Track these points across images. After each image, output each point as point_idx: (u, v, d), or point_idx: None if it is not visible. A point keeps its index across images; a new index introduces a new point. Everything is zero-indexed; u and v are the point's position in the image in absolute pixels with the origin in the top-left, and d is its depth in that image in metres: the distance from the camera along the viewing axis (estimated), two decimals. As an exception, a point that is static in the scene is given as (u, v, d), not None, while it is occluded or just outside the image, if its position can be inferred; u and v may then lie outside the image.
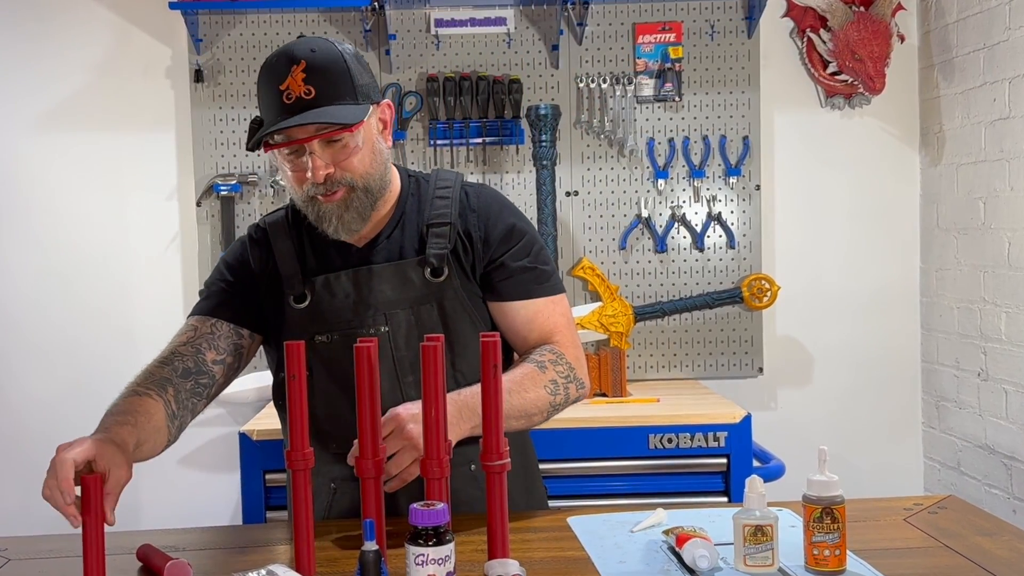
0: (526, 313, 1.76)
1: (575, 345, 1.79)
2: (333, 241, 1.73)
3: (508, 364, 1.79)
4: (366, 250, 1.75)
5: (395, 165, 1.80)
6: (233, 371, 1.78)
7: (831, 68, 3.44)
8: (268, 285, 1.78)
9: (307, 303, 1.73)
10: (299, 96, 1.59)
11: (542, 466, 1.99)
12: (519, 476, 1.79)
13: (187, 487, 3.47)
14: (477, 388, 1.45)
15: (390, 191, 1.75)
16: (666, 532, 1.49)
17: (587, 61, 3.46)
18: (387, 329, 1.72)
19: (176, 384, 1.66)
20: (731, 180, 3.45)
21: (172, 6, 3.24)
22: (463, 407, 1.58)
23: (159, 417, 1.59)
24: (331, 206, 1.66)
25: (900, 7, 3.44)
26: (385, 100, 1.72)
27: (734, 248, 3.48)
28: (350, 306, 1.72)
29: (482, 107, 3.39)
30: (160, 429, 1.59)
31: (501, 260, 1.75)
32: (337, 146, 1.62)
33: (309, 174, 1.62)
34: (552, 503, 1.97)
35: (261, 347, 1.84)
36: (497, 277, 1.75)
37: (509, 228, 1.76)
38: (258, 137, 1.63)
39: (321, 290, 1.73)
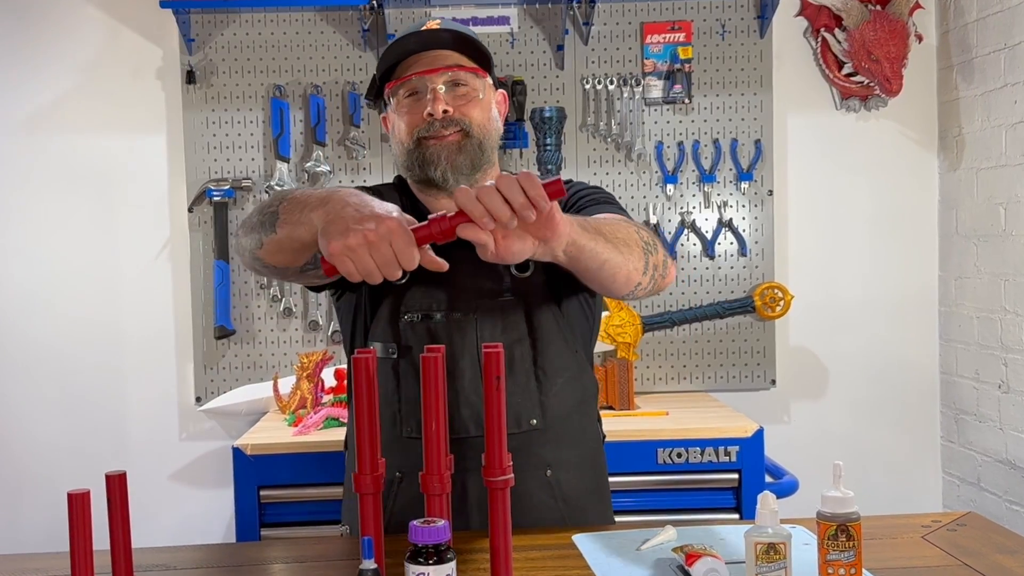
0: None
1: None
2: None
3: (594, 399, 1.89)
4: None
5: None
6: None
7: (846, 69, 3.38)
8: None
9: (406, 278, 1.65)
10: (434, 33, 1.69)
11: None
12: (595, 499, 1.79)
13: (178, 503, 3.41)
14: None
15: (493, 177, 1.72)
16: (675, 550, 1.46)
17: (593, 62, 3.39)
18: (475, 316, 1.70)
19: None
20: (743, 185, 3.39)
21: (163, 5, 3.18)
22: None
23: None
24: (442, 146, 1.69)
25: (918, 6, 3.39)
26: (501, 90, 1.80)
27: (746, 256, 3.41)
28: (448, 287, 1.69)
29: (484, 109, 3.31)
30: None
31: (575, 206, 1.75)
32: (460, 91, 1.69)
33: (429, 108, 1.66)
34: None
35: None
36: None
37: (584, 185, 1.82)
38: (391, 47, 1.68)
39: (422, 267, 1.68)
